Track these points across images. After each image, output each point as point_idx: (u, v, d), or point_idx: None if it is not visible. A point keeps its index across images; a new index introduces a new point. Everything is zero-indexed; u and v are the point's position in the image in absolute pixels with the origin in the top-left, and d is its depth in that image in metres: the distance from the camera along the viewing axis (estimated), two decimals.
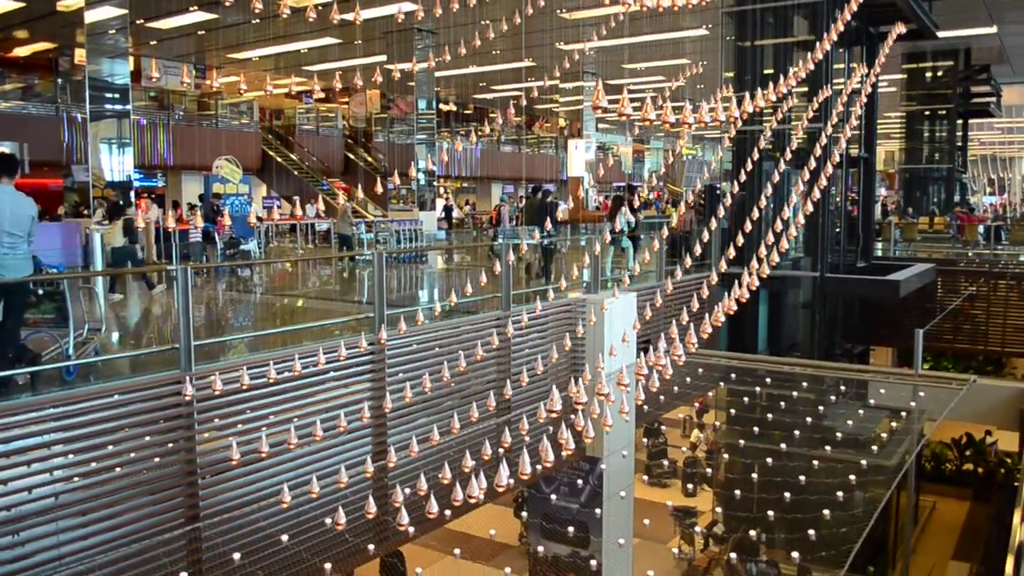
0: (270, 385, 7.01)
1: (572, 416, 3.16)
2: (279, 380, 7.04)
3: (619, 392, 3.18)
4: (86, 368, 7.15)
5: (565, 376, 10.57)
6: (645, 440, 11.57)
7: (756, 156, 4.60)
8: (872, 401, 11.26)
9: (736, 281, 3.42)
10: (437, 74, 25.41)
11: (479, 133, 35.28)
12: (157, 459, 6.38)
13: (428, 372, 8.52)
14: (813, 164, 4.40)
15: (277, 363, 7.13)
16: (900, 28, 6.66)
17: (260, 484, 6.93)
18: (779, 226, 3.73)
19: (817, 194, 4.08)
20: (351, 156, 32.80)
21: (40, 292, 7.40)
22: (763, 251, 3.54)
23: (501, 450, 3.19)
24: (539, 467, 2.93)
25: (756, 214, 3.80)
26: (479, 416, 3.76)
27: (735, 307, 3.37)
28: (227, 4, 5.92)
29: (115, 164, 17.81)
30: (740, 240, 4.27)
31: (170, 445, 6.47)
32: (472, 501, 3.07)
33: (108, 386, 6.29)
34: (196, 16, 21.02)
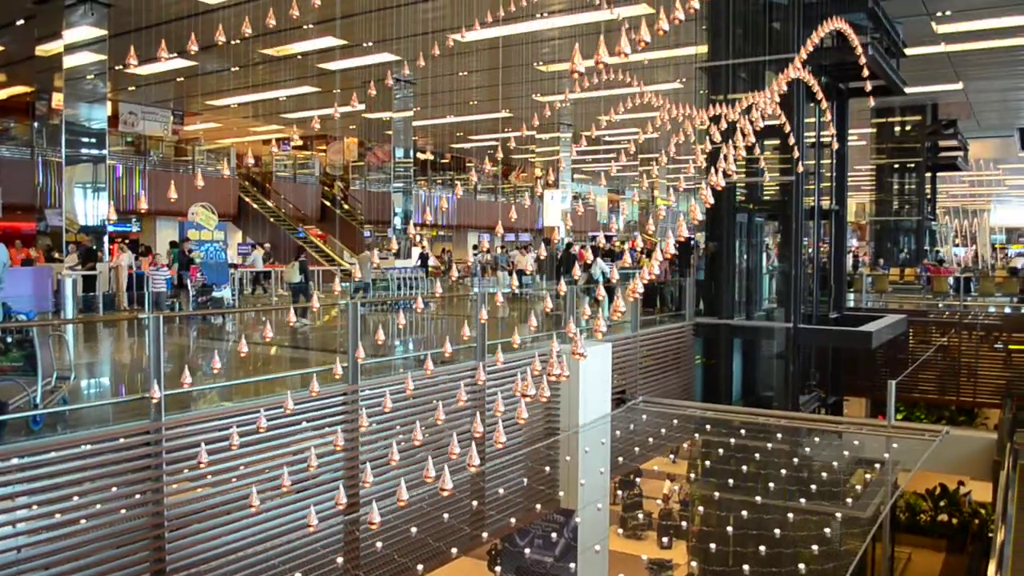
0: (241, 436, 6.92)
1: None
2: (249, 432, 6.96)
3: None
4: (53, 417, 7.02)
5: (540, 425, 10.53)
6: (620, 492, 11.51)
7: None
8: (846, 452, 11.28)
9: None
10: (415, 123, 25.62)
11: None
12: (124, 511, 6.25)
13: (401, 424, 8.49)
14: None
15: (248, 413, 7.06)
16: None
17: (228, 538, 6.80)
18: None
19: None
20: (327, 203, 32.89)
21: (8, 339, 7.28)
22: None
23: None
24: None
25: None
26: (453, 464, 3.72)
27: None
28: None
29: (89, 208, 17.72)
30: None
31: (137, 497, 6.35)
32: (445, 493, 3.02)
33: (76, 436, 6.18)
34: (175, 63, 21.13)
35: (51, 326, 10.20)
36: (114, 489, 6.19)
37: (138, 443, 6.32)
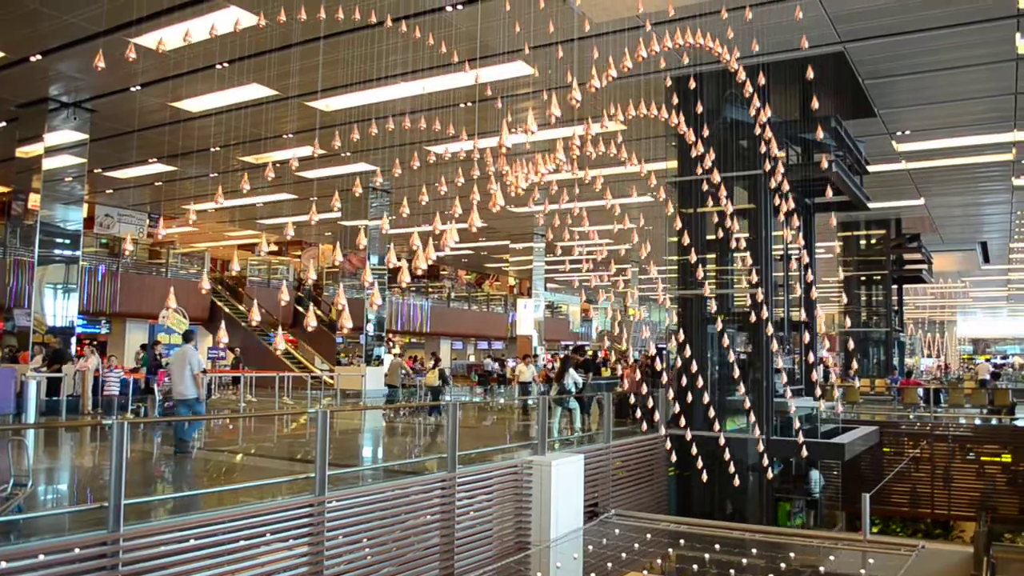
0: (202, 548, 6.70)
1: None
2: (212, 543, 6.74)
3: None
4: (7, 525, 6.77)
5: (511, 540, 10.30)
6: None
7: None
8: (822, 568, 11.09)
9: None
10: (391, 231, 25.88)
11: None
12: None
13: (368, 537, 8.27)
14: None
15: (210, 524, 6.85)
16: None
17: None
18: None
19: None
20: (300, 309, 32.83)
21: None
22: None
23: None
24: None
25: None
26: None
27: None
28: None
29: (59, 309, 17.57)
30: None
31: None
32: None
33: (29, 547, 5.94)
34: (154, 168, 21.36)
35: (10, 430, 9.95)
36: None
37: (94, 554, 6.09)
